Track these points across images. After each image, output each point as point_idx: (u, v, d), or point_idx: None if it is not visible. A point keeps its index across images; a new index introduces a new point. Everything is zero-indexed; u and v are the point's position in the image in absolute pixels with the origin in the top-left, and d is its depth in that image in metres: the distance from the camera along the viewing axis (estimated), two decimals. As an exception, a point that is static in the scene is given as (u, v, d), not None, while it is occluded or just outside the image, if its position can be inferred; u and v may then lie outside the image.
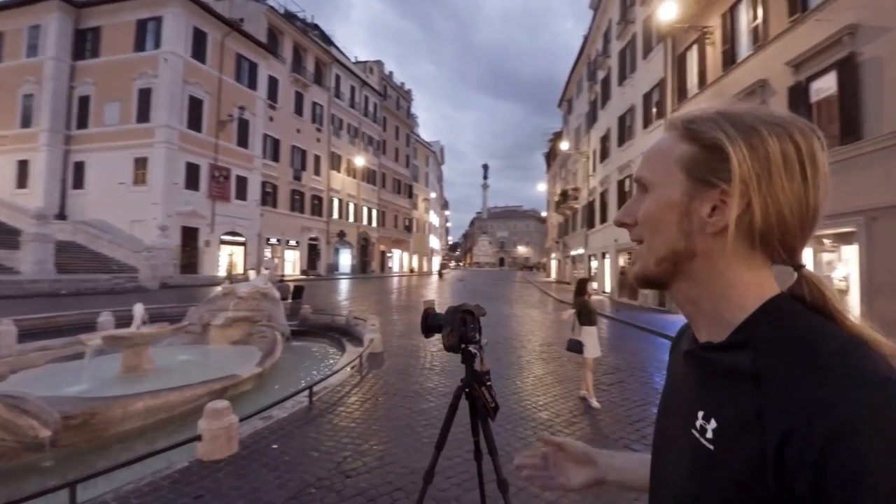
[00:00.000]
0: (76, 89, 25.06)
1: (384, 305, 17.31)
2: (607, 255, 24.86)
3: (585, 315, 5.93)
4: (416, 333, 10.48)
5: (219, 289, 10.45)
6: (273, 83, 30.84)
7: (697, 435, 0.53)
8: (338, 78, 38.89)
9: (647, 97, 19.50)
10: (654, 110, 18.70)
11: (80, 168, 24.87)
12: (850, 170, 8.90)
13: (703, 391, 0.56)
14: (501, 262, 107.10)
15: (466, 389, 1.94)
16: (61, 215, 23.92)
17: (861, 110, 8.72)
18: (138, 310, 7.43)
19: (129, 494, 3.12)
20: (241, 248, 28.55)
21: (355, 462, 3.79)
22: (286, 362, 8.22)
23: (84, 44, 25.16)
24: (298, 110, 33.79)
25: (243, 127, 28.03)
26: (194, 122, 25.01)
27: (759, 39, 11.87)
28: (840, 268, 9.79)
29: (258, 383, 6.80)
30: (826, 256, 10.29)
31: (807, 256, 9.92)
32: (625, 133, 22.36)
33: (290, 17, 33.21)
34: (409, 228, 54.39)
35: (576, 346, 5.82)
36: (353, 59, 43.69)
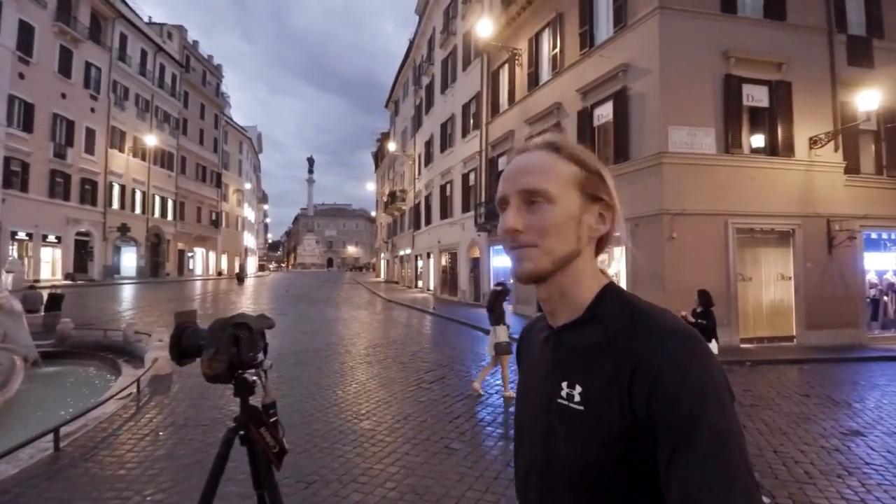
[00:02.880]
0: None
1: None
2: (431, 255, 25.89)
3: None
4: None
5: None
6: (27, 31, 23.61)
7: (566, 402, 0.66)
8: (123, 38, 31.99)
9: (465, 108, 20.84)
10: (472, 121, 20.08)
11: None
12: (621, 185, 10.51)
13: (564, 366, 0.69)
14: (330, 262, 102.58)
15: (242, 432, 1.39)
16: None
17: (629, 135, 10.60)
18: None
19: None
20: (-31, 243, 21.32)
21: (118, 524, 2.84)
22: (30, 396, 6.27)
23: None
24: (65, 70, 26.57)
25: (-27, 81, 20.89)
26: None
27: (557, 66, 13.60)
28: (613, 265, 11.79)
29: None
30: (601, 256, 12.29)
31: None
32: (447, 140, 23.56)
33: (52, -50, 26.05)
34: (216, 223, 47.96)
35: (507, 348, 5.95)
36: (146, 20, 36.71)
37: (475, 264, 19.93)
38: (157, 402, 5.38)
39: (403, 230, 34.89)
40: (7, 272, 21.13)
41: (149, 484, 3.42)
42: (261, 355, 1.26)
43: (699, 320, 5.94)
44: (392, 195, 37.22)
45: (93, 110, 29.18)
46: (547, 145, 0.73)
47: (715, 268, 9.76)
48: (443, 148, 24.05)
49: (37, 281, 23.82)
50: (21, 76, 23.51)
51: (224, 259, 50.81)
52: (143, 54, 34.75)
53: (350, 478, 3.47)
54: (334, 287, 32.76)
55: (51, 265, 26.74)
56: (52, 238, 26.35)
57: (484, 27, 15.76)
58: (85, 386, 7.32)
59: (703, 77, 9.94)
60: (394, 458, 3.87)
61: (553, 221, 0.68)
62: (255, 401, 1.53)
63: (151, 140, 34.21)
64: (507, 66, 16.84)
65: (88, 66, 28.63)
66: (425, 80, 27.78)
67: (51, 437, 4.04)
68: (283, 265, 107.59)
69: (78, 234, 28.45)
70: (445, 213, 23.44)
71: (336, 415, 4.98)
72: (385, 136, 46.06)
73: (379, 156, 51.35)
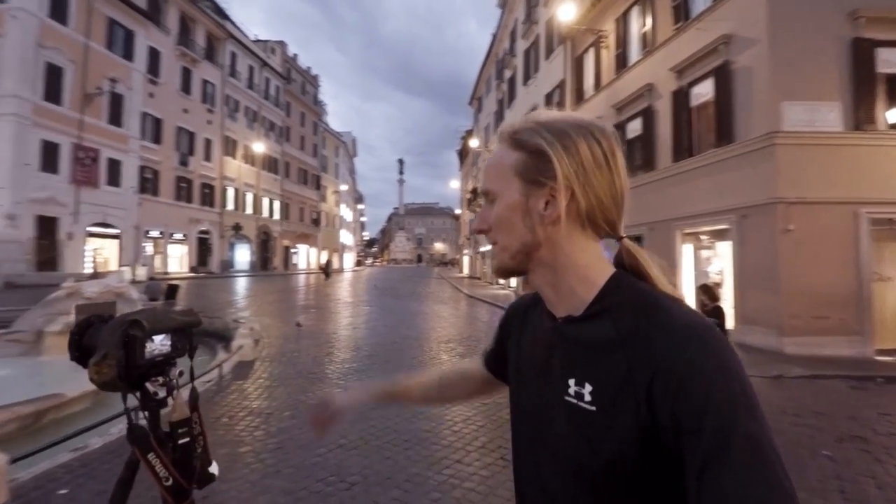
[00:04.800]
0: None
1: (282, 306, 15.93)
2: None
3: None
4: (313, 336, 9.57)
5: (61, 289, 8.73)
6: (155, 55, 27.26)
7: (574, 400, 0.61)
8: (233, 56, 35.58)
9: (548, 97, 20.02)
10: (555, 110, 19.21)
11: None
12: (725, 171, 9.52)
13: (570, 361, 0.64)
14: (419, 258, 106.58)
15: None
16: None
17: (733, 115, 9.35)
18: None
19: None
20: (115, 242, 25.00)
21: (170, 509, 2.96)
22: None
23: None
24: (186, 88, 30.25)
25: (116, 102, 24.39)
26: (53, 93, 21.21)
27: (648, 45, 12.46)
28: (715, 262, 10.52)
29: (96, 403, 5.59)
30: (703, 253, 11.04)
31: (686, 253, 10.49)
32: (530, 131, 22.84)
33: (177, -17, 29.57)
34: (316, 222, 51.71)
35: None
36: (252, 38, 40.37)
37: (560, 261, 19.12)
38: (235, 388, 5.73)
39: (487, 226, 34.59)
40: (142, 265, 24.69)
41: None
42: (175, 362, 1.06)
43: (710, 318, 5.05)
44: (474, 192, 37.06)
45: (209, 122, 32.79)
46: (500, 136, 0.71)
47: (843, 265, 8.26)
48: (526, 141, 23.39)
49: (166, 274, 27.38)
50: (151, 95, 27.12)
51: (324, 255, 54.61)
52: (251, 69, 38.30)
53: (393, 483, 3.33)
54: (420, 282, 33.51)
55: (178, 260, 30.54)
56: (178, 236, 30.09)
57: (567, 11, 14.93)
58: (186, 368, 8.12)
59: (823, 43, 8.44)
60: (443, 465, 3.68)
61: (497, 218, 0.69)
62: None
63: (259, 147, 37.65)
64: (592, 50, 15.84)
65: (205, 83, 32.22)
66: (507, 74, 27.24)
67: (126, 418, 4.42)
68: (377, 260, 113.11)
69: (199, 232, 32.18)
70: (529, 207, 22.78)
71: (394, 412, 4.91)
72: (468, 134, 46.07)
73: (463, 153, 51.51)
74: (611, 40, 14.51)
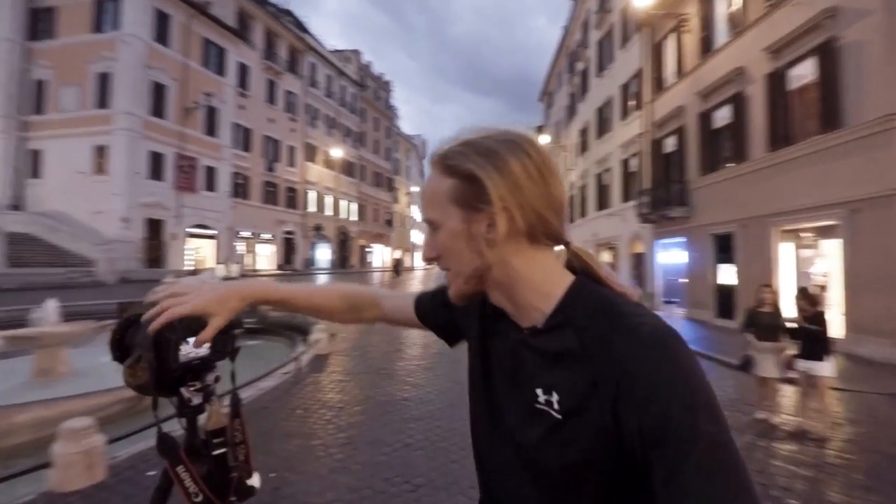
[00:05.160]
0: (31, 72, 23.57)
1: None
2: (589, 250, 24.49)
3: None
4: (384, 332, 9.82)
5: (161, 284, 9.62)
6: (243, 70, 29.58)
7: (545, 408, 0.62)
8: (313, 66, 37.65)
9: (624, 88, 19.04)
10: (633, 102, 18.24)
11: (37, 156, 23.43)
12: (831, 160, 8.48)
13: (537, 371, 0.64)
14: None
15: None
16: (16, 206, 22.56)
17: (842, 97, 8.29)
18: (50, 307, 6.70)
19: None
20: (212, 242, 27.42)
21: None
22: (229, 365, 7.51)
23: (38, 24, 23.66)
24: (271, 99, 32.52)
25: (211, 115, 26.78)
26: (158, 108, 23.75)
27: (737, 25, 11.41)
28: (819, 263, 9.40)
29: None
30: (804, 252, 9.90)
31: (785, 252, 9.48)
32: (603, 125, 21.92)
33: (261, 1, 31.80)
34: (389, 223, 53.39)
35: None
36: (329, 49, 42.44)
37: (638, 261, 18.11)
38: (311, 380, 5.99)
39: (559, 225, 33.74)
40: (235, 263, 26.92)
41: (261, 464, 3.71)
42: (215, 366, 0.99)
43: (812, 325, 4.49)
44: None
45: (292, 130, 34.95)
46: (431, 161, 0.71)
47: None
48: (599, 134, 22.43)
49: (256, 271, 29.59)
50: (241, 107, 29.43)
51: (397, 254, 56.29)
52: (329, 79, 40.29)
53: (459, 488, 3.26)
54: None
55: (267, 258, 32.89)
56: (266, 236, 32.40)
57: (644, -5, 14.11)
58: (273, 358, 8.59)
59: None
60: (509, 471, 3.56)
61: (444, 246, 0.68)
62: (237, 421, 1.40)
63: (337, 152, 39.54)
64: (672, 36, 14.80)
65: (288, 93, 34.39)
66: (580, 66, 26.29)
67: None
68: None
69: (285, 232, 34.43)
70: (602, 203, 21.84)
71: (463, 414, 4.87)
72: (538, 130, 45.16)
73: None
74: (693, 23, 13.47)
